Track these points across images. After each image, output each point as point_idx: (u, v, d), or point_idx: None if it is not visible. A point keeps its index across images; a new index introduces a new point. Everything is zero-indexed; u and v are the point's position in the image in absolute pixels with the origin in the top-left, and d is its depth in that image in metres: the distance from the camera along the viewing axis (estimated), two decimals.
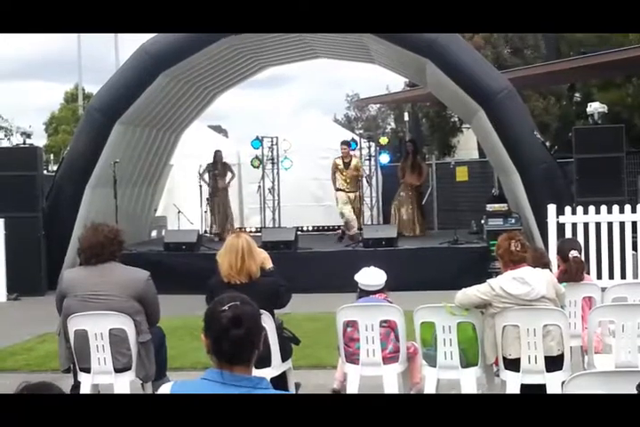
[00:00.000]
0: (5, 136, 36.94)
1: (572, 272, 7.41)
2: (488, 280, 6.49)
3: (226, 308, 3.22)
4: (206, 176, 19.25)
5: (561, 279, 7.28)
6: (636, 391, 3.59)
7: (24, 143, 16.31)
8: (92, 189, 16.06)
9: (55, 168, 18.86)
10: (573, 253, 7.55)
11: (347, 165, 17.66)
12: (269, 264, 6.92)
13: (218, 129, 32.18)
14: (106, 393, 6.85)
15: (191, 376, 3.33)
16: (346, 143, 17.93)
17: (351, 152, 17.92)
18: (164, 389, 3.30)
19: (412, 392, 7.17)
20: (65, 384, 5.85)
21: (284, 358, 6.93)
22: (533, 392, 6.47)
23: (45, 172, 19.20)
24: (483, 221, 15.93)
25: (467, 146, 32.32)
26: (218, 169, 19.25)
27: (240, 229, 19.27)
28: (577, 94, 32.51)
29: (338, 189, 17.79)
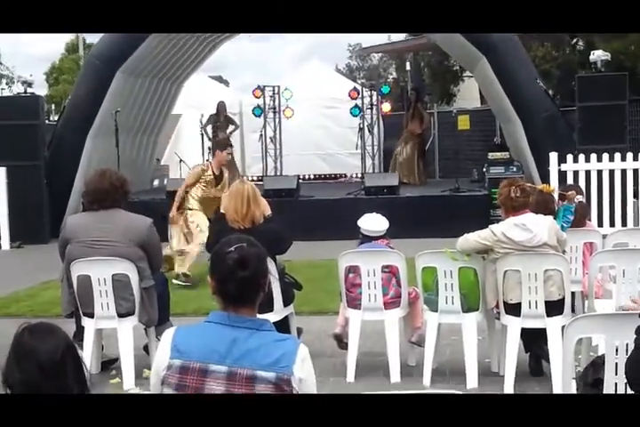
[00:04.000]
0: (7, 84, 36.77)
1: (576, 217, 7.43)
2: (490, 226, 6.50)
3: (232, 249, 3.21)
4: (209, 128, 19.10)
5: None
6: (635, 335, 3.60)
7: (25, 92, 16.26)
8: (93, 138, 16.02)
9: (56, 118, 18.80)
10: (579, 198, 7.56)
11: (219, 178, 10.99)
12: (268, 211, 6.95)
13: (219, 80, 31.92)
14: (100, 393, 6.87)
15: (194, 322, 3.35)
16: (229, 145, 11.90)
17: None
18: (169, 332, 3.29)
19: (413, 338, 7.20)
20: (67, 329, 5.88)
21: (286, 304, 6.97)
22: (533, 337, 6.54)
23: (47, 122, 19.15)
24: (484, 170, 15.91)
25: (469, 95, 32.13)
26: (220, 121, 19.11)
27: (242, 177, 19.24)
28: (580, 43, 32.21)
29: (191, 209, 10.99)
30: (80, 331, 6.90)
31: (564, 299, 6.35)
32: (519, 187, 6.47)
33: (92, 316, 6.75)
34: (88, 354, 6.64)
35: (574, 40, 29.46)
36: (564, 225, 7.10)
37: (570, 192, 7.63)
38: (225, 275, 3.20)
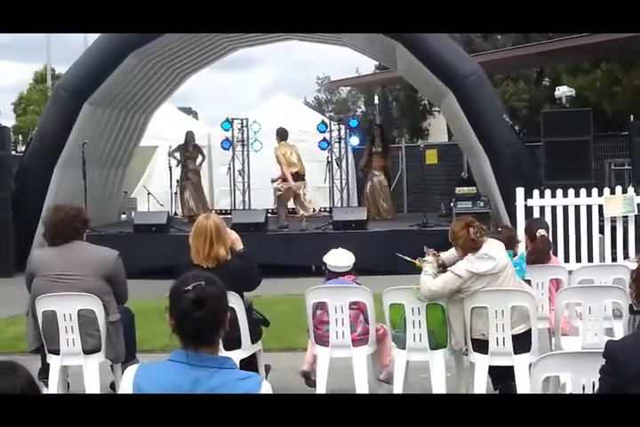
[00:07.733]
0: None
1: (539, 251, 7.48)
2: (450, 269, 6.45)
3: (189, 288, 3.19)
4: (177, 155, 19.10)
5: (530, 259, 7.34)
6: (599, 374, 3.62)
7: None
8: (60, 170, 15.94)
9: (24, 149, 18.73)
10: (541, 232, 7.61)
11: None
12: (240, 246, 6.86)
13: (188, 111, 31.99)
14: (95, 393, 6.82)
15: (161, 359, 3.34)
16: None
17: None
18: (131, 370, 3.27)
19: (381, 376, 7.19)
20: (33, 366, 5.82)
21: (254, 340, 6.92)
22: (502, 373, 6.54)
23: (14, 153, 19.04)
24: (452, 204, 15.98)
25: (437, 129, 32.38)
26: (189, 151, 19.13)
27: (211, 211, 19.19)
28: (546, 79, 32.58)
29: None
30: (46, 368, 6.81)
31: (529, 332, 6.35)
32: (477, 227, 6.44)
33: (57, 352, 6.66)
34: (53, 392, 6.55)
35: (541, 77, 29.73)
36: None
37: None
38: (181, 315, 3.20)
